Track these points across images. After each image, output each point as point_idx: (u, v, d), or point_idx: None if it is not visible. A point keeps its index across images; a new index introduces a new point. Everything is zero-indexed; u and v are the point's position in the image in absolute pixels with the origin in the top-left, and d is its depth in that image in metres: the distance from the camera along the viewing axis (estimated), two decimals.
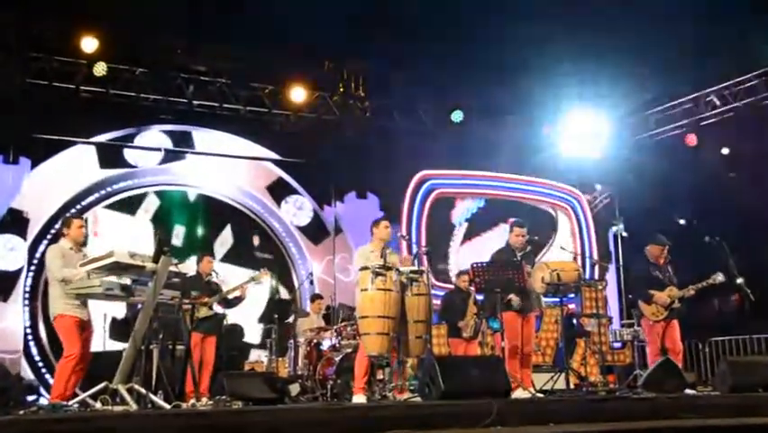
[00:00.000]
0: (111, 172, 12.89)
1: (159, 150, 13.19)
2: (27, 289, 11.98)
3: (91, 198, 12.72)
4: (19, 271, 11.96)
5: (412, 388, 8.01)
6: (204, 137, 13.66)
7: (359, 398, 7.73)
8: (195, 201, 13.61)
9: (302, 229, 14.33)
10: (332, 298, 12.33)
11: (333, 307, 12.01)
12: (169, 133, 13.36)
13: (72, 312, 7.24)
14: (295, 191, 14.30)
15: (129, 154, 13.08)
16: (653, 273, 8.89)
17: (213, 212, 13.62)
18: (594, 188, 16.14)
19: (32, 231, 12.16)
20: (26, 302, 11.94)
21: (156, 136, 13.29)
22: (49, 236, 11.93)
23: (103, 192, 12.75)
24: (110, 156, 12.90)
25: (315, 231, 14.39)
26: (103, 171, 12.83)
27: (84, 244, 7.70)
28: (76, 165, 12.67)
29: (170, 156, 13.33)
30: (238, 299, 9.94)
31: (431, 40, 12.71)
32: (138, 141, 13.16)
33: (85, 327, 7.37)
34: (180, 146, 13.44)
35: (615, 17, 11.93)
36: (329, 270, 14.06)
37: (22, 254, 12.01)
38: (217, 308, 9.90)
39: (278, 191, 14.22)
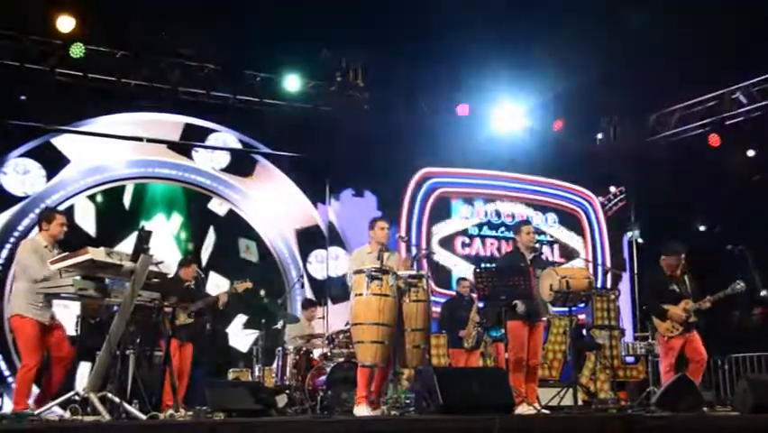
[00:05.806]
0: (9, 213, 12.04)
1: (141, 140, 12.99)
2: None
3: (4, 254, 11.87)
4: None
5: (408, 401, 7.99)
6: (64, 140, 12.65)
7: (361, 409, 7.55)
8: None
9: (227, 170, 13.69)
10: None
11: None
12: (31, 155, 12.34)
13: (32, 314, 7.19)
14: (204, 135, 13.57)
15: (8, 185, 12.10)
16: (670, 287, 8.88)
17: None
18: (608, 190, 16.13)
19: None
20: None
21: (21, 163, 12.30)
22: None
23: (9, 244, 11.77)
24: None
25: (241, 163, 13.78)
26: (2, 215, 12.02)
27: (60, 242, 7.58)
28: None
29: (50, 171, 12.39)
30: (206, 309, 9.92)
31: (435, 28, 12.70)
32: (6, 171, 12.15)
33: (48, 331, 7.32)
34: (48, 158, 12.43)
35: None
36: None
37: None
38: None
39: (182, 146, 13.42)
